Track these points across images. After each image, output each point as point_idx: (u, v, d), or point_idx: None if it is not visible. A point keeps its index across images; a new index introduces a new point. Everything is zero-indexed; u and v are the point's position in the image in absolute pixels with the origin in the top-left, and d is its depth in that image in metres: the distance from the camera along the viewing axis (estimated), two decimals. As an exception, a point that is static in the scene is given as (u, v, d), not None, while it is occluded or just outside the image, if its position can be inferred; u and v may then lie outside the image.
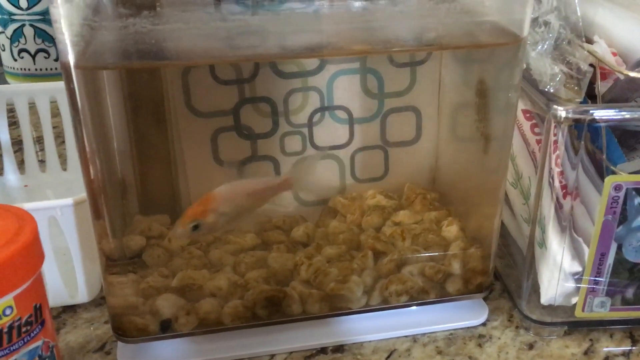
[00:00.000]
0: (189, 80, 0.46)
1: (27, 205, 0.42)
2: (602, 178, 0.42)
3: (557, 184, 0.43)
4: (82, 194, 0.43)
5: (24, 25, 0.87)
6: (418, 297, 0.47)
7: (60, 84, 0.63)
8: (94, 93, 0.40)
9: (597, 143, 0.43)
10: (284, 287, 0.46)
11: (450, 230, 0.49)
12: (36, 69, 0.89)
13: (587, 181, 0.44)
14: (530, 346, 0.47)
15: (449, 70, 0.51)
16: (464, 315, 0.49)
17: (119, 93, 0.43)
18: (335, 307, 0.46)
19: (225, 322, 0.45)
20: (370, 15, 0.40)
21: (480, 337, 0.48)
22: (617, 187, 0.42)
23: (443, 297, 0.48)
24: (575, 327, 0.48)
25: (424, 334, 0.47)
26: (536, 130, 0.47)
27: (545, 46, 0.43)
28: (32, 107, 0.64)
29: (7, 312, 0.33)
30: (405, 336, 0.47)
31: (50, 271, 0.46)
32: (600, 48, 0.46)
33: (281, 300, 0.45)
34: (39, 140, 0.68)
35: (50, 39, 0.87)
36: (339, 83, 0.49)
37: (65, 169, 0.66)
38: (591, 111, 0.41)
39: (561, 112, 0.41)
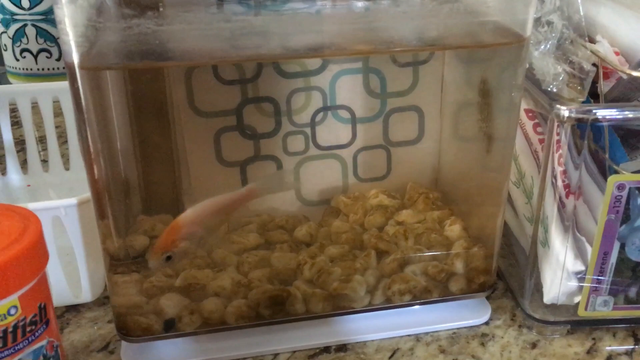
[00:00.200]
0: (192, 80, 0.46)
1: (31, 205, 0.43)
2: (605, 177, 0.42)
3: (559, 183, 0.43)
4: (86, 194, 0.43)
5: (26, 25, 0.87)
6: (421, 297, 0.47)
7: (63, 84, 0.64)
8: (98, 93, 0.40)
9: (599, 142, 0.43)
10: (287, 287, 0.46)
11: (453, 229, 0.49)
12: (38, 69, 0.88)
13: (589, 180, 0.44)
14: (533, 345, 0.47)
15: (452, 69, 0.51)
16: (466, 315, 0.49)
17: (122, 93, 0.43)
18: (338, 306, 0.46)
19: (228, 321, 0.45)
20: (373, 16, 0.41)
21: (483, 336, 0.48)
22: (620, 187, 0.42)
23: (446, 296, 0.48)
24: (578, 326, 0.48)
25: (427, 333, 0.48)
26: (539, 129, 0.47)
27: (548, 46, 0.43)
28: (35, 107, 0.64)
29: (12, 311, 0.33)
30: (408, 335, 0.47)
31: (54, 271, 0.46)
32: (603, 47, 0.46)
33: (284, 300, 0.45)
34: (41, 140, 0.68)
35: (52, 38, 0.87)
36: (342, 83, 0.49)
37: (67, 169, 0.66)
38: (594, 111, 0.41)
39: (564, 111, 0.41)
